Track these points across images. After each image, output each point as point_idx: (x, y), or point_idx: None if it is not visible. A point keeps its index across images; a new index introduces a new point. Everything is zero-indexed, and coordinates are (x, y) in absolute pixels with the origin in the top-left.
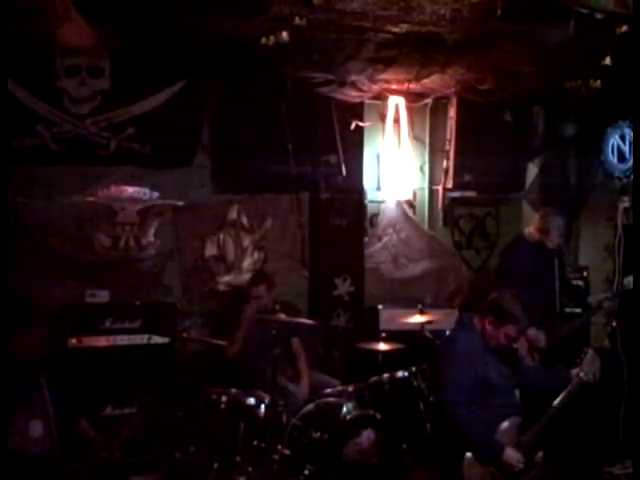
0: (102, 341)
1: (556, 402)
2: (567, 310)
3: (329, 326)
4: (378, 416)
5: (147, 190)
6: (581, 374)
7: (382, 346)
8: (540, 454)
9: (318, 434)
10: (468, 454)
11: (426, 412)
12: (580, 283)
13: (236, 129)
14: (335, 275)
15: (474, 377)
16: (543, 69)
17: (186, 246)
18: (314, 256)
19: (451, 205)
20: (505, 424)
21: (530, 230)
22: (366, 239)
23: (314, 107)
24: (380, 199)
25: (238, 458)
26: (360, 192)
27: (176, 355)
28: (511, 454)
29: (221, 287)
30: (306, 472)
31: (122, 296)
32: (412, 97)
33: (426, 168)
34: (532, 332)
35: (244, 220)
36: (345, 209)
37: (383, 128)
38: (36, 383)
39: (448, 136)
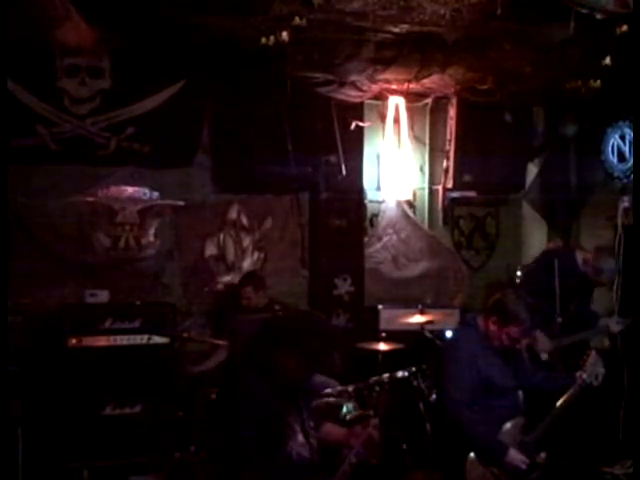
0: (102, 341)
1: (559, 403)
2: None
3: None
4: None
5: (147, 190)
6: (584, 376)
7: (382, 346)
8: (542, 455)
9: None
10: (471, 454)
11: (426, 412)
12: None
13: (236, 129)
14: (335, 275)
15: (477, 377)
16: (543, 69)
17: (186, 246)
18: (314, 256)
19: (451, 205)
20: (508, 425)
21: (580, 261)
22: (366, 239)
23: (314, 107)
24: (380, 199)
25: None
26: (360, 192)
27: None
28: (514, 455)
29: (221, 287)
30: None
31: (122, 296)
32: (412, 97)
33: (426, 168)
34: (540, 336)
35: (244, 220)
36: (345, 209)
37: (383, 128)
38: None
39: (448, 136)
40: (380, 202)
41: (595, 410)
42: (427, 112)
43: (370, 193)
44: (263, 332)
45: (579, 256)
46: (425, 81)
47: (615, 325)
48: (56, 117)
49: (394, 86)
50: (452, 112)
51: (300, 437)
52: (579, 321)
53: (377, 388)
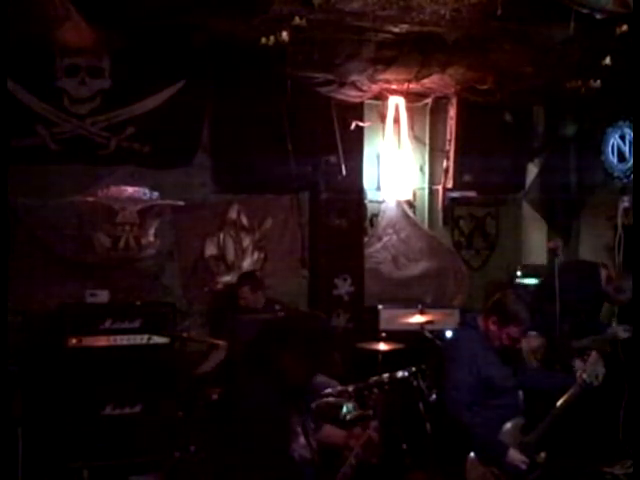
0: (102, 341)
1: (559, 403)
2: None
3: None
4: None
5: (147, 190)
6: (584, 376)
7: (382, 346)
8: (542, 455)
9: None
10: (471, 454)
11: (426, 412)
12: None
13: (236, 129)
14: (335, 275)
15: (477, 377)
16: (543, 69)
17: (186, 246)
18: (314, 256)
19: (451, 205)
20: (508, 425)
21: (604, 278)
22: (366, 239)
23: (314, 107)
24: (380, 199)
25: None
26: (360, 192)
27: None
28: (514, 455)
29: (221, 287)
30: None
31: (122, 296)
32: (412, 97)
33: (426, 168)
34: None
35: (244, 220)
36: (345, 209)
37: (383, 128)
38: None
39: (448, 136)
40: (380, 202)
41: (595, 410)
42: (427, 112)
43: (370, 193)
44: (264, 333)
45: (603, 273)
46: (425, 81)
47: (623, 332)
48: (56, 117)
49: (394, 86)
50: (452, 112)
51: (302, 439)
52: (587, 330)
53: (376, 389)
